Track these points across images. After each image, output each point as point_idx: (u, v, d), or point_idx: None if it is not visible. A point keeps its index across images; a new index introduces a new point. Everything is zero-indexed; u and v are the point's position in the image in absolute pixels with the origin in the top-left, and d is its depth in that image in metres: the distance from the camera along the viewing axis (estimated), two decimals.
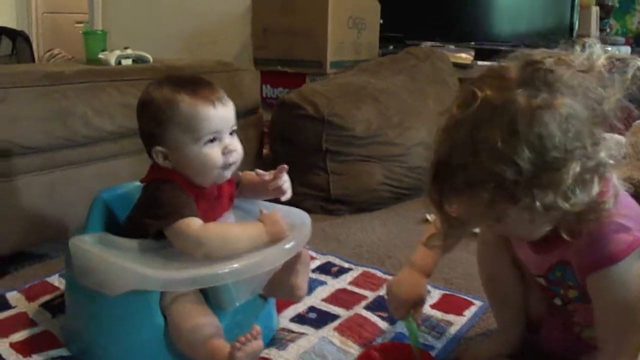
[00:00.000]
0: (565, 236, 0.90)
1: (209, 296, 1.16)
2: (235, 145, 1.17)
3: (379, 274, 1.61)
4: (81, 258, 1.14)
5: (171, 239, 1.09)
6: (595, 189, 0.84)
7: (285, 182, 1.25)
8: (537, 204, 0.82)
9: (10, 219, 1.57)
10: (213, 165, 1.14)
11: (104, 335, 1.15)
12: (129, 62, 2.10)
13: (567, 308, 1.07)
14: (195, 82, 1.17)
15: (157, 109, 1.14)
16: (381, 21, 3.04)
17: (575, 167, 0.81)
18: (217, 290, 1.14)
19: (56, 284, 1.52)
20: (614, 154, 0.86)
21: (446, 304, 1.43)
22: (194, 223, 1.08)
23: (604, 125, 0.86)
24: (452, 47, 3.07)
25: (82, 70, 1.81)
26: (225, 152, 1.14)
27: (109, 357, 1.15)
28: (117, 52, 2.10)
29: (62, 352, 1.22)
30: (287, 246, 1.13)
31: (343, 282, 1.56)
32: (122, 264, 1.07)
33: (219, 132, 1.14)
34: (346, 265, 1.67)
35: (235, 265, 1.06)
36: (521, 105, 0.81)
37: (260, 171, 1.27)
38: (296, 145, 2.20)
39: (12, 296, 1.46)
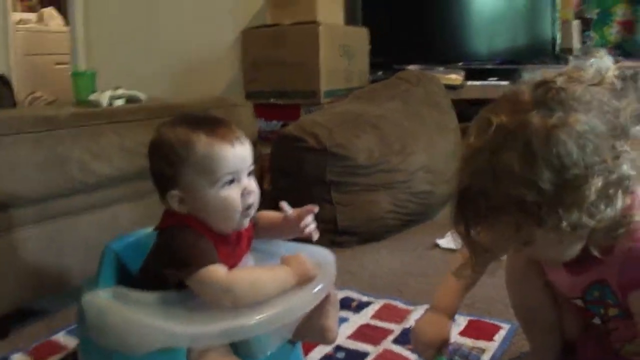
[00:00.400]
0: (596, 254, 0.89)
1: (238, 346, 1.09)
2: (253, 186, 1.11)
3: (400, 305, 1.56)
4: (97, 316, 1.07)
5: (195, 289, 1.03)
6: (620, 202, 0.83)
7: (312, 223, 1.19)
8: (563, 223, 0.81)
9: (9, 275, 1.48)
10: (233, 208, 1.08)
11: None
12: (121, 102, 2.04)
13: (607, 326, 1.05)
14: (211, 122, 1.11)
15: (170, 150, 1.08)
16: (369, 47, 3.02)
17: (597, 183, 0.80)
18: (248, 340, 1.07)
19: (62, 342, 1.44)
20: (638, 165, 0.85)
21: (475, 330, 1.39)
22: (219, 270, 1.02)
23: (624, 137, 0.85)
24: (441, 69, 3.07)
25: (76, 113, 1.74)
26: (245, 193, 1.09)
27: None
28: (109, 93, 2.04)
29: None
30: (316, 289, 1.07)
31: (365, 316, 1.51)
32: (145, 321, 1.00)
33: (237, 173, 1.08)
34: (365, 298, 1.61)
35: (266, 315, 0.99)
36: (536, 127, 0.81)
37: (285, 205, 1.21)
38: (298, 178, 2.15)
39: (18, 358, 1.38)
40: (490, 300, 1.51)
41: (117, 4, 3.24)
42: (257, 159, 2.33)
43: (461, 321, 1.43)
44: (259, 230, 1.25)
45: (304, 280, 1.06)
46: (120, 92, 2.10)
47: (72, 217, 1.61)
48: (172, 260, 1.05)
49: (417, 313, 1.47)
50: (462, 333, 1.38)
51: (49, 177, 1.54)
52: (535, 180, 0.80)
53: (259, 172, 2.33)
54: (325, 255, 1.22)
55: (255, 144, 2.29)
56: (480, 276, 1.18)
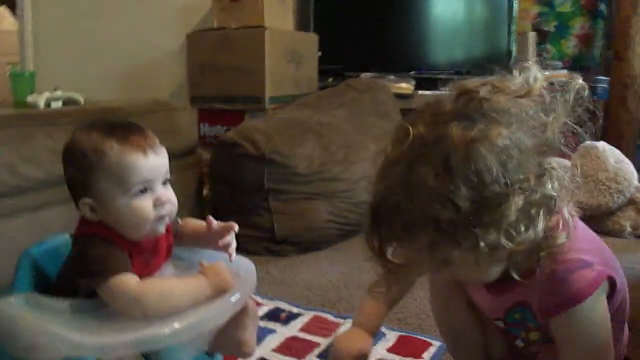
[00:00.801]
0: (515, 276, 0.84)
1: (151, 357, 1.07)
2: (169, 196, 1.07)
3: (330, 318, 1.55)
4: (6, 323, 1.03)
5: (105, 298, 1.00)
6: (542, 223, 0.79)
7: (231, 242, 1.18)
8: (481, 244, 0.76)
9: None
10: (144, 218, 1.04)
11: None
12: (59, 104, 2.00)
13: (529, 349, 1.02)
14: (125, 128, 1.07)
15: (83, 157, 1.05)
16: (319, 53, 3.02)
17: (517, 202, 0.76)
18: (159, 351, 1.05)
19: None
20: (565, 184, 0.81)
21: (403, 347, 1.39)
22: (130, 280, 0.99)
23: (550, 154, 0.81)
24: (392, 77, 3.07)
25: (8, 115, 1.70)
26: (158, 203, 1.05)
27: None
28: (46, 94, 2.01)
29: None
30: (233, 299, 1.05)
31: (293, 329, 1.49)
32: (52, 330, 0.96)
33: (150, 182, 1.05)
34: (295, 310, 1.60)
35: (177, 325, 0.97)
36: (454, 139, 0.76)
37: (211, 218, 1.20)
38: (237, 185, 2.13)
39: None
40: (423, 316, 1.50)
41: (65, 4, 3.17)
42: (197, 164, 2.32)
43: (391, 337, 1.42)
44: (181, 238, 1.23)
45: (220, 290, 1.05)
46: (58, 93, 2.06)
47: (0, 220, 1.57)
48: (84, 269, 1.02)
49: (346, 327, 1.45)
50: (391, 349, 1.37)
51: None
52: (450, 197, 0.75)
53: (199, 178, 2.31)
54: (245, 265, 1.20)
55: (194, 150, 2.29)
56: (403, 292, 1.18)
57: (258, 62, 2.50)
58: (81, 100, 2.08)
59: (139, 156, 1.04)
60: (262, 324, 1.51)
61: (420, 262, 0.86)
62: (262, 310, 1.59)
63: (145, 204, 1.04)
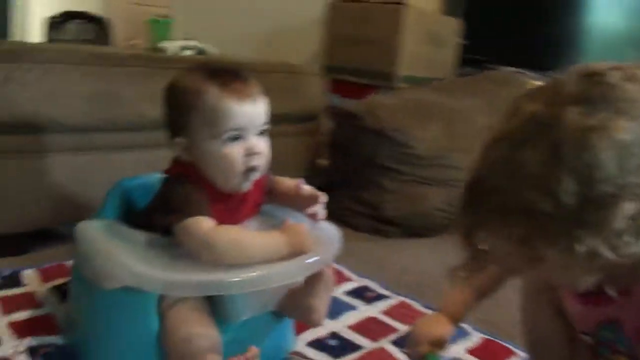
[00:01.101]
0: (609, 292, 0.76)
1: (214, 308, 1.04)
2: (261, 148, 1.05)
3: (417, 306, 1.45)
4: (82, 244, 1.06)
5: (180, 238, 0.99)
6: None
7: (319, 213, 1.13)
8: (577, 248, 0.66)
9: (37, 196, 1.52)
10: (232, 166, 1.02)
11: (96, 332, 1.06)
12: (189, 53, 2.04)
13: None
14: (228, 73, 1.06)
15: (181, 96, 1.05)
16: (465, 42, 2.86)
17: (628, 208, 0.65)
18: (223, 301, 1.02)
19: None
20: None
21: (485, 351, 1.27)
22: (204, 223, 0.97)
23: None
24: (533, 74, 2.86)
25: (135, 54, 1.75)
26: (248, 153, 1.03)
27: (99, 356, 1.05)
28: (180, 42, 2.06)
29: (57, 340, 1.14)
30: (308, 261, 1.00)
31: (376, 310, 1.41)
32: (118, 258, 0.96)
33: (243, 130, 1.02)
34: (384, 292, 1.52)
35: (244, 275, 0.93)
36: (570, 125, 0.66)
37: (300, 182, 1.15)
38: (353, 158, 2.08)
39: (27, 274, 1.41)
40: (514, 322, 1.37)
41: None
42: (317, 131, 2.27)
43: (475, 338, 1.31)
44: (275, 196, 1.20)
45: (297, 252, 0.99)
46: (192, 43, 2.10)
47: (112, 152, 1.62)
48: (164, 206, 1.02)
49: None
50: (471, 351, 1.26)
51: (94, 110, 1.55)
52: (553, 188, 0.65)
53: (316, 146, 2.28)
54: (330, 232, 1.14)
55: (317, 116, 2.24)
56: (492, 286, 1.07)
57: (393, 38, 2.41)
58: (212, 52, 2.11)
59: (234, 102, 1.02)
60: (346, 299, 1.45)
61: (508, 254, 0.76)
62: (350, 286, 1.53)
63: (235, 151, 1.02)
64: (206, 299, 1.03)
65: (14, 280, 1.37)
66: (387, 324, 1.35)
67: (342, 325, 1.31)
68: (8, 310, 1.23)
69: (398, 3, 2.42)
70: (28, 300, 1.28)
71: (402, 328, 1.32)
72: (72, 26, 3.59)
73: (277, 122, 1.98)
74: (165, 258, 0.98)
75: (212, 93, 1.01)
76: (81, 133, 1.55)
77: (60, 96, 1.49)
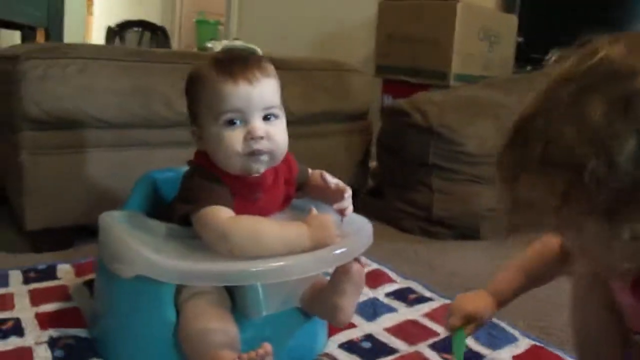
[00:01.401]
0: None
1: (234, 302, 0.99)
2: (268, 132, 0.98)
3: None
4: (104, 233, 1.03)
5: (197, 228, 0.94)
6: None
7: (346, 207, 1.06)
8: (624, 226, 0.57)
9: (77, 191, 1.51)
10: (231, 150, 0.97)
11: (114, 323, 1.03)
12: None
13: None
14: (232, 58, 1.02)
15: (191, 85, 1.05)
16: (522, 39, 2.74)
17: None
18: (244, 295, 0.97)
19: None
20: None
21: (532, 358, 1.16)
22: (221, 213, 0.92)
23: None
24: None
25: (172, 51, 1.74)
26: (249, 137, 0.97)
27: (117, 348, 1.02)
28: (225, 42, 2.04)
29: (81, 332, 1.12)
30: (332, 253, 0.93)
31: (417, 312, 1.33)
32: (134, 246, 0.93)
33: (242, 114, 0.98)
34: (428, 294, 1.43)
35: (261, 266, 0.88)
36: None
37: (327, 175, 1.09)
38: (402, 157, 2.00)
39: (62, 268, 1.41)
40: (566, 328, 1.26)
41: None
42: (366, 131, 2.20)
43: (523, 344, 1.20)
44: (307, 190, 1.15)
45: (320, 244, 0.92)
46: (238, 43, 2.08)
47: (149, 148, 1.61)
48: (183, 195, 1.00)
49: None
50: (518, 357, 1.16)
51: (130, 106, 1.55)
52: (611, 146, 0.56)
53: (366, 146, 2.21)
54: (361, 225, 1.07)
55: (366, 115, 2.17)
56: (547, 272, 0.98)
57: (446, 36, 2.31)
58: (259, 52, 2.08)
59: (227, 84, 0.98)
60: (386, 301, 1.37)
61: (545, 213, 0.66)
62: (392, 287, 1.45)
63: (233, 135, 0.97)
64: (226, 294, 0.99)
65: (49, 273, 1.37)
66: (427, 327, 1.26)
67: (378, 327, 1.23)
68: (37, 302, 1.22)
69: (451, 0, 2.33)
70: (59, 294, 1.27)
71: (442, 332, 1.23)
72: (131, 35, 3.67)
73: (325, 120, 1.97)
74: (183, 248, 0.94)
75: (210, 77, 0.99)
76: (119, 129, 1.55)
77: (97, 92, 1.48)
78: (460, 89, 2.25)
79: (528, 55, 2.77)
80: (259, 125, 0.98)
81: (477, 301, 1.00)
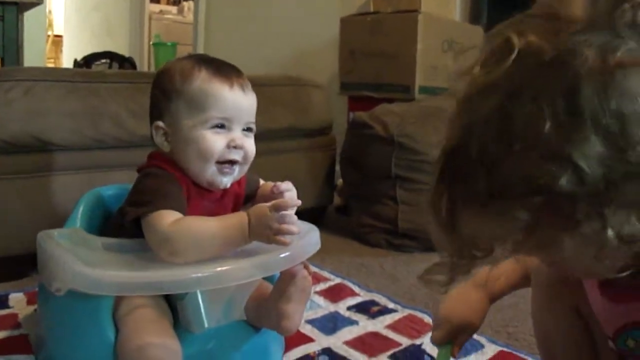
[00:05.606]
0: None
1: (178, 316, 0.95)
2: (245, 144, 0.98)
3: (426, 318, 1.31)
4: (41, 252, 0.99)
5: (144, 232, 0.91)
6: None
7: (288, 190, 1.03)
8: (609, 232, 0.49)
9: (30, 217, 1.46)
10: (210, 153, 0.95)
11: (56, 345, 0.98)
12: None
13: None
14: (221, 63, 1.02)
15: (169, 79, 1.00)
16: None
17: None
18: (185, 308, 0.93)
19: None
20: None
21: None
22: (170, 216, 0.88)
23: None
24: None
25: (123, 72, 1.71)
26: (231, 144, 0.96)
27: None
28: None
29: (27, 359, 1.07)
30: (274, 258, 0.89)
31: (380, 324, 1.29)
32: (69, 263, 0.88)
33: (229, 120, 0.97)
34: (391, 305, 1.39)
35: (200, 272, 0.84)
36: (588, 62, 0.47)
37: (279, 184, 1.06)
38: (366, 170, 1.97)
39: (15, 297, 1.36)
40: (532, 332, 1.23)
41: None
42: (330, 147, 2.18)
43: (489, 350, 1.17)
44: (257, 199, 1.12)
45: (262, 239, 0.88)
46: None
47: (103, 170, 1.57)
48: (134, 199, 0.95)
49: None
50: None
51: (81, 128, 1.51)
52: (574, 156, 0.47)
53: (330, 162, 2.19)
54: (308, 231, 1.03)
55: (328, 130, 2.15)
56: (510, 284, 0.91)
57: (409, 48, 2.31)
58: None
59: (225, 87, 0.97)
60: (348, 314, 1.34)
61: (508, 246, 0.57)
62: (354, 301, 1.42)
63: (217, 139, 0.96)
64: (167, 308, 0.95)
65: (0, 302, 1.32)
66: (389, 338, 1.22)
67: (337, 340, 1.19)
68: None
69: (411, 11, 2.32)
70: (7, 322, 1.22)
71: (404, 342, 1.20)
72: (98, 67, 3.64)
73: (285, 136, 1.94)
74: (118, 260, 0.91)
75: (202, 76, 0.97)
76: (70, 151, 1.51)
77: (44, 114, 1.45)
78: (423, 100, 2.24)
79: None
80: (240, 135, 0.98)
81: (465, 308, 0.90)
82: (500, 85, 0.51)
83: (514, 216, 0.51)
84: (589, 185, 0.48)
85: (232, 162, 0.98)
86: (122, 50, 3.86)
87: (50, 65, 4.98)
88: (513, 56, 0.50)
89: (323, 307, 1.36)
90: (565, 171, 0.48)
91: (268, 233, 0.87)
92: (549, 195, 0.49)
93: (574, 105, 0.47)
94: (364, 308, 1.37)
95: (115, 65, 3.58)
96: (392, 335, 1.23)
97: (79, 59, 3.64)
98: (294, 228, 0.87)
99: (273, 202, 0.88)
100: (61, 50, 5.57)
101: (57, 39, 5.61)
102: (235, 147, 0.97)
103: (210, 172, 0.97)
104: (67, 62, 5.07)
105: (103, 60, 3.60)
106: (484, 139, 0.51)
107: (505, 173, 0.50)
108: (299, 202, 1.02)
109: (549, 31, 0.51)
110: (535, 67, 0.50)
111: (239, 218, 0.89)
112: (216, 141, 0.96)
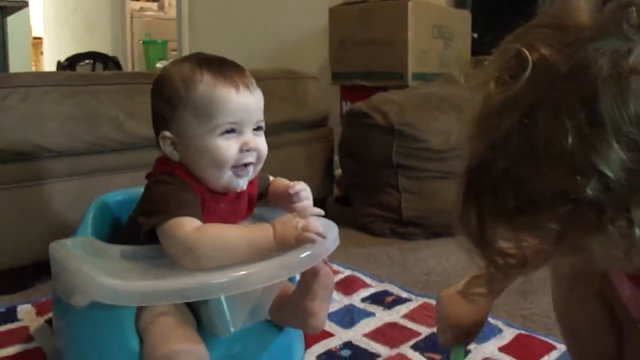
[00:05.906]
0: None
1: (201, 321, 0.93)
2: (258, 144, 0.95)
3: None
4: (55, 263, 0.97)
5: (162, 241, 0.88)
6: None
7: (304, 199, 1.03)
8: (636, 231, 0.49)
9: (32, 227, 1.44)
10: (225, 161, 0.92)
11: (77, 358, 0.96)
12: None
13: None
14: (221, 62, 0.97)
15: (170, 88, 0.95)
16: (475, 35, 2.74)
17: None
18: (210, 312, 0.92)
19: None
20: None
21: (520, 348, 1.12)
22: (189, 223, 0.86)
23: None
24: None
25: (119, 73, 1.68)
26: (244, 148, 0.93)
27: None
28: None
29: None
30: (296, 258, 0.88)
31: (396, 314, 1.29)
32: (83, 271, 0.86)
33: (239, 124, 0.93)
34: (405, 294, 1.39)
35: (224, 277, 0.82)
36: (603, 71, 0.47)
37: (294, 183, 1.05)
38: (366, 160, 1.96)
39: (23, 309, 1.34)
40: (549, 312, 1.23)
41: None
42: (327, 138, 2.17)
43: (507, 334, 1.17)
44: (269, 197, 1.10)
45: (287, 243, 0.87)
46: None
47: (105, 175, 1.55)
48: (147, 208, 0.92)
49: None
50: (504, 348, 1.12)
51: (79, 132, 1.48)
52: (597, 163, 0.48)
53: (329, 153, 2.18)
54: (327, 228, 1.02)
55: (323, 122, 2.14)
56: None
57: (400, 36, 2.29)
58: None
59: (231, 91, 0.93)
60: (363, 306, 1.33)
61: (539, 256, 0.59)
62: (368, 292, 1.42)
63: (229, 145, 0.93)
64: (189, 313, 0.93)
65: (9, 315, 1.30)
66: (408, 328, 1.22)
67: (357, 333, 1.19)
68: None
69: None
70: (20, 336, 1.20)
71: (423, 331, 1.20)
72: (82, 68, 3.59)
73: (283, 130, 1.92)
74: (138, 269, 0.89)
75: (205, 82, 0.92)
76: (70, 157, 1.48)
77: (42, 120, 1.42)
78: (419, 87, 2.23)
79: (484, 49, 2.78)
80: (252, 137, 0.95)
81: (472, 307, 0.90)
82: (518, 102, 0.51)
83: (543, 227, 0.53)
84: (614, 189, 0.48)
85: (247, 164, 0.96)
86: (105, 49, 3.80)
87: (32, 68, 4.89)
88: (528, 72, 0.51)
89: (337, 300, 1.35)
90: (591, 180, 0.48)
91: (294, 233, 0.86)
92: (576, 204, 0.49)
93: (594, 115, 0.48)
94: (378, 299, 1.37)
95: (99, 65, 3.53)
96: (410, 325, 1.23)
97: (62, 60, 3.58)
98: (319, 226, 0.86)
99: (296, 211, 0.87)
100: (41, 53, 5.49)
101: (37, 41, 5.51)
102: (248, 150, 0.94)
103: (226, 178, 0.95)
104: (48, 65, 5.00)
105: (87, 61, 3.54)
106: (507, 157, 0.52)
107: (531, 188, 0.51)
108: (322, 212, 1.01)
109: (559, 42, 0.51)
110: (551, 81, 0.50)
111: (262, 225, 0.88)
112: (229, 148, 0.93)
